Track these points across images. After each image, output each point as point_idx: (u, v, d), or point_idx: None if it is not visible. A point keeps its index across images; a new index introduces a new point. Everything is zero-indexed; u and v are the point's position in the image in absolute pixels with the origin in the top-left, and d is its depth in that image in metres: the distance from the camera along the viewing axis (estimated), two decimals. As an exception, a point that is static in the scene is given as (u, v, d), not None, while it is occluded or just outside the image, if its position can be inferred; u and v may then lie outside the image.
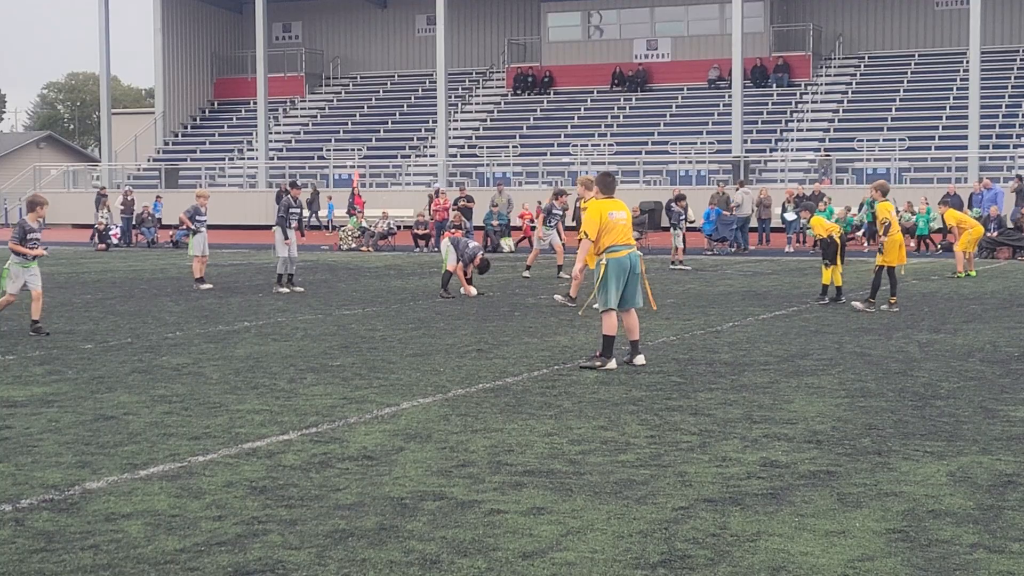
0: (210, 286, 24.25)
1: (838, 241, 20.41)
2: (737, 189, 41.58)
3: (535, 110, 61.93)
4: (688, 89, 60.36)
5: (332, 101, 67.65)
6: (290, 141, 64.16)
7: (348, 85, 68.98)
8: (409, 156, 59.95)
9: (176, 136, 67.26)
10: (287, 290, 23.07)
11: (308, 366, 13.39)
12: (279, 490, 7.84)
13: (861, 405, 10.84)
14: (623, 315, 13.33)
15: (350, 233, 42.47)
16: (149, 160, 65.07)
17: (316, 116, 66.46)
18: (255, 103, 61.37)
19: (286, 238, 23.48)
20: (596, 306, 13.45)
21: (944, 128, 52.33)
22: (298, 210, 24.14)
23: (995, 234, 35.25)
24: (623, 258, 13.11)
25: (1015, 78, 54.81)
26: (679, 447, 9.11)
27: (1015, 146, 50.31)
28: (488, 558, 6.39)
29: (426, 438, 9.45)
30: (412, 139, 61.52)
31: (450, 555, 6.45)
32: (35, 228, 16.46)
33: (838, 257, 20.37)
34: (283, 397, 11.35)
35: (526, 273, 26.59)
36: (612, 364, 13.02)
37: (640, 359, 13.32)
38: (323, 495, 7.71)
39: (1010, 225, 36.37)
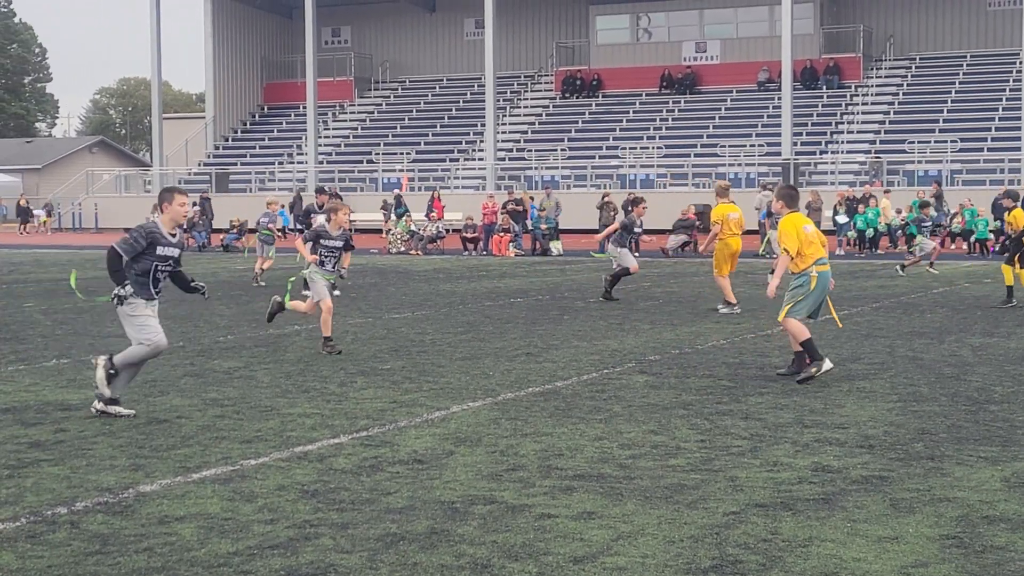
0: (263, 284, 25.66)
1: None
2: (760, 192, 41.45)
3: (583, 113, 61.93)
4: (737, 91, 60.18)
5: (381, 105, 67.92)
6: (339, 145, 64.47)
7: (397, 89, 69.23)
8: (458, 160, 60.09)
9: (226, 140, 67.75)
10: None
11: (358, 369, 13.44)
12: (330, 494, 7.87)
13: (914, 410, 10.76)
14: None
15: (399, 236, 42.61)
16: (200, 164, 65.57)
17: (365, 120, 66.74)
18: (304, 107, 61.76)
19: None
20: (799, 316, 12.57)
21: (996, 129, 51.89)
22: (322, 215, 24.08)
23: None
24: (827, 272, 12.57)
25: (1069, 78, 54.25)
26: (730, 451, 9.08)
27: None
28: (539, 562, 6.39)
29: (476, 442, 9.46)
30: (461, 143, 61.67)
31: (501, 559, 6.45)
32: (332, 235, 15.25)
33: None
34: (334, 401, 11.40)
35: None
36: (828, 364, 12.27)
37: (825, 364, 12.36)
38: (374, 499, 7.73)
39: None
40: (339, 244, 15.26)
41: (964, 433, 9.71)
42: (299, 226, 24.59)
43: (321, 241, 15.15)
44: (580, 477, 8.29)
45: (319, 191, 24.83)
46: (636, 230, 22.61)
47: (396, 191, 53.33)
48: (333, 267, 15.38)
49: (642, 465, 8.65)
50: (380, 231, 48.66)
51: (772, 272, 13.38)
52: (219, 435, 9.79)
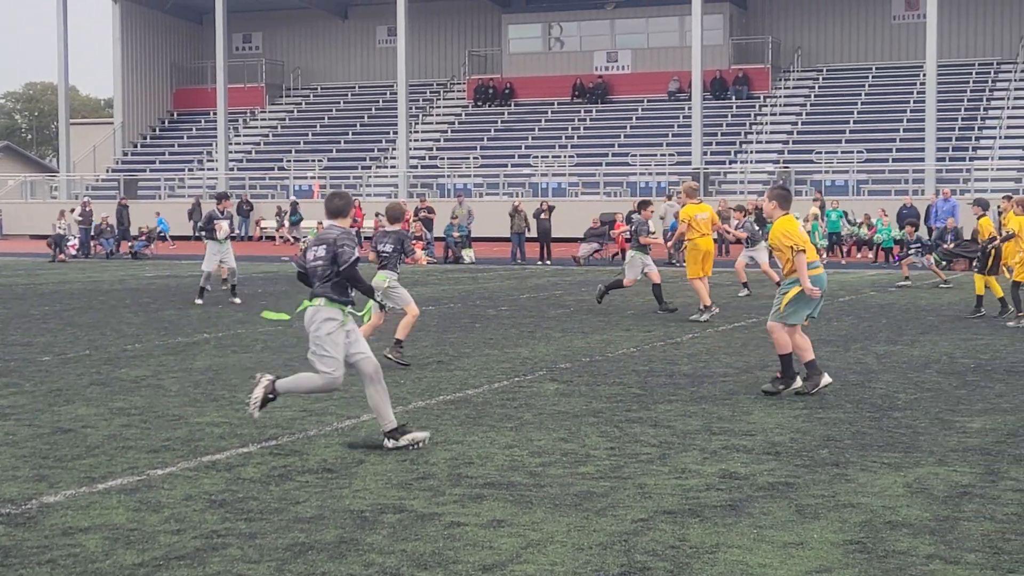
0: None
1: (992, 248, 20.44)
2: (664, 202, 41.92)
3: (496, 122, 62.03)
4: (648, 101, 60.62)
5: (292, 112, 67.53)
6: (250, 152, 63.99)
7: (309, 96, 68.88)
8: (370, 167, 59.91)
9: (135, 147, 66.96)
10: (201, 301, 22.91)
11: (268, 378, 13.33)
12: (238, 503, 7.81)
13: (819, 417, 10.91)
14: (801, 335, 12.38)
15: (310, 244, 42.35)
16: (108, 171, 64.74)
17: (276, 127, 66.32)
18: (215, 114, 61.24)
19: (218, 245, 23.32)
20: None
21: (901, 140, 52.76)
22: (225, 221, 23.88)
23: (951, 245, 35.51)
24: (823, 275, 12.32)
25: (971, 91, 55.34)
26: (639, 459, 9.14)
27: (971, 159, 50.75)
28: (448, 571, 6.40)
29: (386, 450, 9.44)
30: (373, 150, 61.49)
31: (410, 568, 6.45)
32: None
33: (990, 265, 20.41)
34: (243, 409, 11.29)
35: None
36: (799, 382, 11.96)
37: (826, 378, 12.15)
38: (283, 508, 7.69)
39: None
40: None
41: (868, 439, 9.86)
42: (200, 233, 24.29)
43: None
44: (490, 485, 8.30)
45: (220, 197, 24.56)
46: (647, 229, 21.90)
47: (292, 198, 53.16)
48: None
49: (552, 473, 8.68)
50: (297, 238, 48.34)
51: (779, 285, 12.89)
52: (126, 445, 9.68)
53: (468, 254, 40.40)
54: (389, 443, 9.41)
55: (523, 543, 6.89)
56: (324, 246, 9.67)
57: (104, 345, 16.56)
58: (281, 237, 51.48)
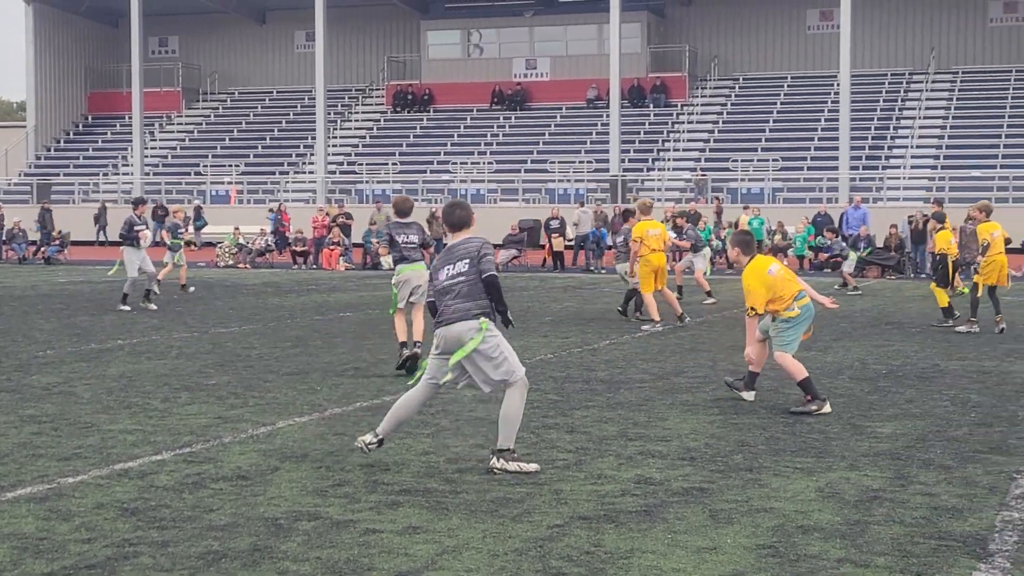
0: (192, 288, 27.94)
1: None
2: (578, 208, 42.21)
3: (415, 127, 61.93)
4: (567, 108, 60.83)
5: (209, 116, 66.97)
6: (166, 156, 63.36)
7: (226, 100, 68.35)
8: (287, 172, 59.57)
9: (48, 150, 66.03)
10: (128, 308, 22.65)
11: (182, 385, 13.23)
12: (151, 511, 7.73)
13: (734, 422, 11.00)
14: (762, 346, 12.37)
15: (227, 250, 42.04)
16: (20, 175, 63.75)
17: (193, 131, 65.73)
18: (130, 118, 60.59)
19: (137, 251, 23.11)
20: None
21: (816, 149, 53.40)
22: (142, 226, 23.64)
23: (864, 253, 36.01)
24: (810, 304, 12.29)
25: (884, 101, 56.16)
26: (555, 464, 9.17)
27: (884, 167, 51.50)
28: (363, 578, 6.37)
29: (302, 457, 9.39)
30: (291, 155, 61.15)
31: (325, 575, 6.42)
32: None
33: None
34: (156, 417, 11.19)
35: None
36: (827, 407, 11.57)
37: (825, 407, 11.75)
38: (196, 516, 7.62)
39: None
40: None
41: (781, 445, 9.96)
42: (120, 238, 23.98)
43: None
44: (406, 492, 8.28)
45: (137, 202, 24.30)
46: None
47: (196, 203, 52.70)
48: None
49: (468, 479, 8.68)
50: (213, 244, 47.87)
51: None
52: (35, 452, 9.54)
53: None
54: (498, 463, 8.88)
55: (438, 550, 6.89)
56: (466, 260, 8.99)
57: (15, 352, 16.31)
58: (186, 242, 50.97)
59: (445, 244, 9.42)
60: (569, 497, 8.15)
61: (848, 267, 29.70)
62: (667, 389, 13.02)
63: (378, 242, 14.81)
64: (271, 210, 46.23)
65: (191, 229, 28.67)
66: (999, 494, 8.27)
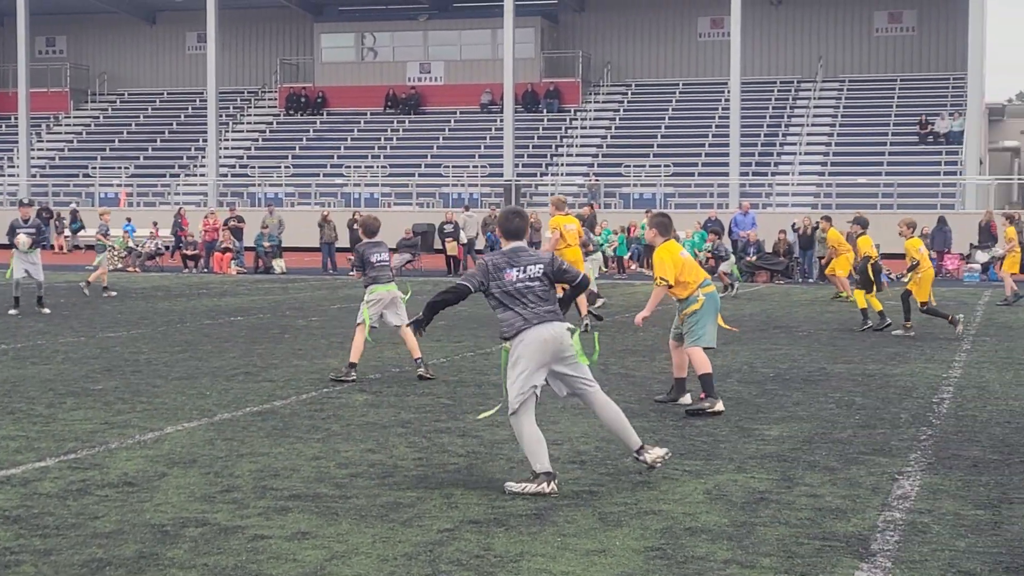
0: (115, 293, 27.77)
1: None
2: (462, 212, 42.48)
3: (308, 131, 61.57)
4: (461, 113, 60.90)
5: (98, 118, 65.98)
6: (54, 158, 62.30)
7: (115, 102, 67.40)
8: (179, 175, 58.87)
9: (-69, 151, 64.62)
10: (16, 312, 22.27)
11: (68, 390, 13.01)
12: (34, 519, 7.59)
13: (624, 425, 11.07)
14: (680, 350, 12.32)
15: (116, 253, 41.39)
16: (-99, 176, 62.26)
17: (81, 133, 64.71)
18: (16, 119, 59.43)
19: (23, 254, 22.71)
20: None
21: (707, 155, 54.02)
22: (31, 230, 23.24)
23: (753, 258, 36.52)
24: (714, 292, 12.22)
25: (773, 108, 57.00)
26: (446, 469, 9.17)
27: (773, 173, 52.26)
28: (251, 584, 6.32)
29: (190, 463, 9.29)
30: (182, 158, 60.46)
31: (212, 582, 6.36)
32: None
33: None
34: (41, 422, 10.99)
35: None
36: (720, 406, 11.75)
37: (718, 405, 11.81)
38: (80, 523, 7.50)
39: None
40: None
41: (671, 447, 10.03)
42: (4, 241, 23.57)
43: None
44: (295, 497, 8.23)
45: (22, 204, 23.87)
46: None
47: (72, 206, 52.00)
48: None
49: (359, 484, 8.65)
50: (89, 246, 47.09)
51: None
52: (-86, 460, 9.32)
53: (279, 264, 39.98)
54: (648, 456, 8.77)
55: (328, 555, 6.85)
56: (540, 266, 8.72)
57: None
58: (59, 247, 50.19)
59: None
60: (460, 501, 8.15)
61: (725, 268, 30.08)
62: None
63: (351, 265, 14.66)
64: (177, 215, 45.62)
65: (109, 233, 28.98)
66: (881, 495, 8.43)
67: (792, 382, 14.14)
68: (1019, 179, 57.56)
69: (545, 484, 8.37)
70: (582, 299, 20.52)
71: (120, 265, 40.49)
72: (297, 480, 8.76)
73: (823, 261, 33.07)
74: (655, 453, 8.81)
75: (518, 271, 8.67)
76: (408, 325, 12.39)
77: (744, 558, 6.87)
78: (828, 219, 30.52)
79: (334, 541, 7.15)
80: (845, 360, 16.33)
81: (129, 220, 44.57)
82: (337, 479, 8.80)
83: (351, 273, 15.06)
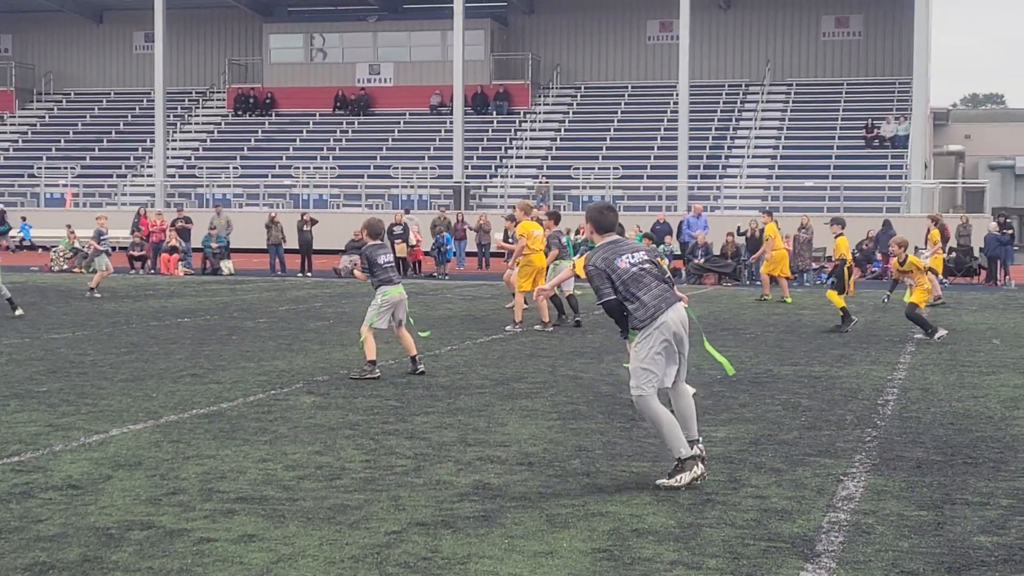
0: (100, 296, 27.37)
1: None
2: (403, 215, 42.58)
3: (256, 132, 61.31)
4: (410, 114, 60.84)
5: (44, 117, 65.41)
6: (-2, 158, 61.72)
7: (61, 101, 66.84)
8: (125, 176, 58.44)
9: None
10: None
11: (12, 392, 12.88)
12: (-24, 523, 7.51)
13: (572, 427, 11.11)
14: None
15: (62, 254, 41.05)
16: None
17: (27, 132, 64.11)
18: (-40, 117, 58.90)
19: None
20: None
21: (656, 158, 54.24)
22: None
23: (701, 260, 36.68)
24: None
25: (721, 111, 57.30)
26: (394, 471, 9.16)
27: (721, 176, 52.53)
28: (196, 588, 6.29)
29: (135, 465, 9.22)
30: (129, 158, 60.04)
31: (157, 586, 6.32)
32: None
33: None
34: (-16, 425, 10.88)
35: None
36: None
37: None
38: (23, 527, 7.42)
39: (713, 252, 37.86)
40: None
41: (618, 449, 10.09)
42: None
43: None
44: (242, 500, 8.19)
45: None
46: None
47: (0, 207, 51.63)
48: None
49: (306, 486, 8.62)
50: (47, 247, 46.74)
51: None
52: None
53: (227, 265, 39.75)
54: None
55: (274, 558, 6.83)
56: (642, 252, 8.92)
57: None
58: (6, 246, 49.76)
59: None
60: (407, 503, 8.14)
61: None
62: (507, 395, 13.09)
63: (356, 264, 14.56)
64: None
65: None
66: (827, 496, 8.49)
67: (739, 384, 14.21)
68: (963, 183, 58.18)
69: (697, 467, 8.58)
70: (521, 305, 20.66)
71: (66, 266, 40.15)
72: (244, 482, 8.72)
73: (754, 256, 33.15)
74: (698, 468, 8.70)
75: (628, 257, 8.77)
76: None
77: (690, 559, 6.90)
78: (768, 212, 30.56)
79: (281, 544, 7.12)
80: (791, 362, 16.44)
81: (2, 214, 44.21)
82: (284, 481, 8.77)
83: (357, 275, 15.04)
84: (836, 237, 21.83)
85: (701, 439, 9.04)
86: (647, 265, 8.79)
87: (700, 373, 15.16)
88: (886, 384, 14.39)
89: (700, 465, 8.61)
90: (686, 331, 8.85)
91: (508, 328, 20.26)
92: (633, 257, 8.78)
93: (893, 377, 14.99)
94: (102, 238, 28.68)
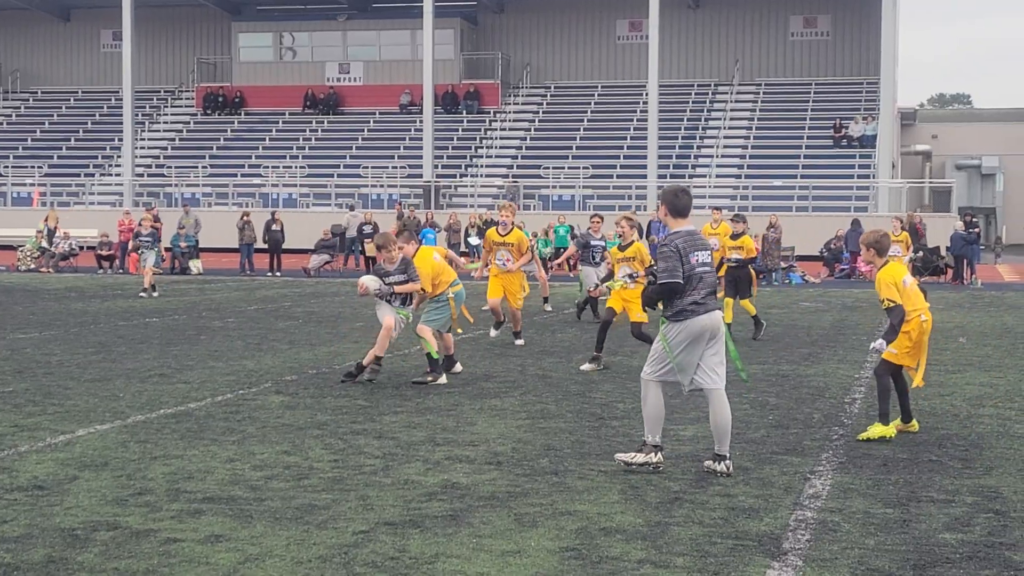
0: (157, 294, 27.74)
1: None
2: (348, 212, 42.63)
3: (225, 130, 61.11)
4: (380, 113, 60.75)
5: (11, 116, 65.02)
6: (-36, 157, 61.31)
7: (28, 100, 66.46)
8: (93, 175, 58.13)
9: None
10: None
11: (-22, 393, 12.79)
12: (-59, 524, 7.46)
13: (541, 426, 11.11)
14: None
15: (29, 253, 40.81)
16: None
17: (-7, 131, 63.73)
18: (-74, 116, 58.48)
19: None
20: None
21: (625, 157, 54.32)
22: None
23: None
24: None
25: (690, 111, 57.43)
26: (362, 471, 9.14)
27: (691, 176, 52.64)
28: (162, 588, 6.26)
29: (102, 466, 9.18)
30: (97, 157, 59.73)
31: (123, 586, 6.29)
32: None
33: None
34: (-51, 426, 10.80)
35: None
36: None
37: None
38: (-11, 528, 7.38)
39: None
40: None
41: (587, 448, 10.10)
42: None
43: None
44: (209, 500, 8.16)
45: None
46: (594, 243, 22.10)
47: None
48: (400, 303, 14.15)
49: (274, 486, 8.60)
50: (11, 247, 46.43)
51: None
52: None
53: (195, 265, 39.60)
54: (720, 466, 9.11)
55: (241, 558, 6.81)
56: (707, 252, 9.14)
57: None
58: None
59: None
60: (375, 503, 8.13)
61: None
62: (476, 394, 13.09)
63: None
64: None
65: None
66: (793, 494, 8.53)
67: (707, 383, 14.22)
68: (930, 182, 58.50)
69: (654, 456, 9.07)
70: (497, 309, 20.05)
71: (33, 266, 39.92)
72: (211, 483, 8.69)
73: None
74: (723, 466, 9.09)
75: (699, 255, 9.04)
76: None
77: (658, 558, 6.92)
78: (719, 210, 30.53)
79: (248, 544, 7.10)
80: (759, 361, 16.49)
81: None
82: (252, 481, 8.74)
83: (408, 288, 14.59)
84: (740, 236, 19.90)
85: (729, 456, 9.17)
86: (707, 270, 9.03)
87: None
88: (853, 383, 14.45)
89: (658, 456, 9.06)
90: (717, 339, 9.07)
91: (519, 342, 18.28)
92: (701, 256, 9.01)
93: (860, 376, 15.06)
94: (142, 236, 29.41)
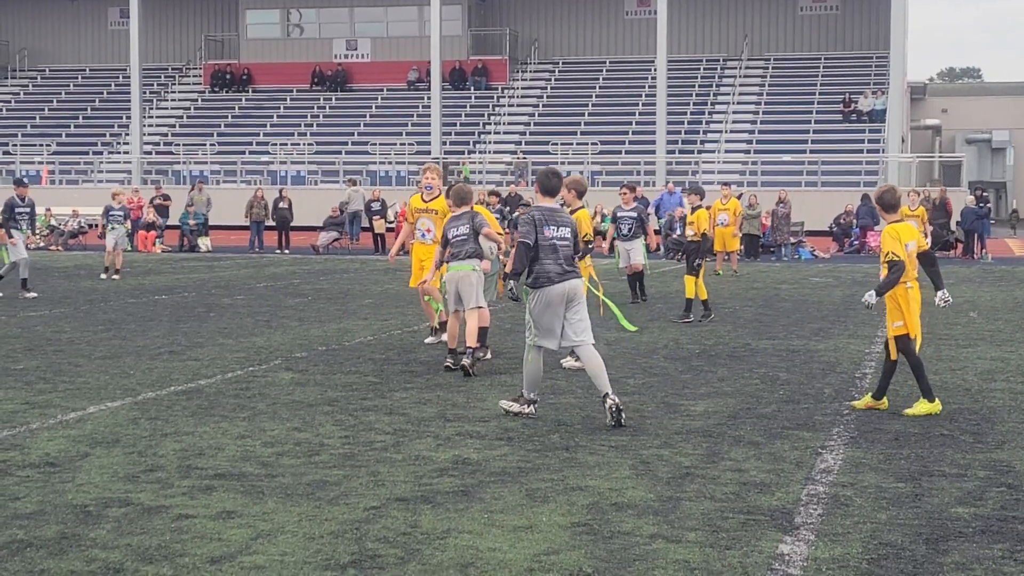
0: (118, 277, 26.22)
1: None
2: (349, 187, 42.52)
3: (233, 108, 61.00)
4: (388, 90, 60.58)
5: (19, 94, 64.96)
6: (-28, 135, 61.29)
7: (36, 78, 66.38)
8: (102, 153, 58.12)
9: None
10: (33, 294, 21.69)
11: (-12, 371, 12.82)
12: (-47, 501, 7.48)
13: (551, 402, 11.11)
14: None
15: (39, 231, 40.84)
16: None
17: (1, 110, 63.65)
18: (-66, 94, 58.45)
19: (11, 238, 22.32)
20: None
21: (634, 133, 54.16)
22: (27, 209, 23.01)
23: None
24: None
25: (699, 86, 57.22)
26: (373, 447, 9.15)
27: (699, 151, 52.52)
28: (174, 564, 6.27)
29: (113, 443, 9.19)
30: (105, 135, 59.68)
31: (134, 562, 6.29)
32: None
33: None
34: (-40, 403, 10.83)
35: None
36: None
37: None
38: (0, 504, 7.39)
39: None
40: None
41: (597, 423, 10.10)
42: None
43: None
44: (220, 476, 8.17)
45: (18, 183, 23.56)
46: (621, 215, 22.16)
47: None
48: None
49: (285, 463, 8.60)
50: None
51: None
52: None
53: (204, 242, 39.61)
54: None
55: (253, 534, 6.81)
56: (568, 228, 10.42)
57: None
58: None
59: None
60: (387, 479, 8.14)
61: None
62: (486, 370, 13.08)
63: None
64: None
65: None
66: (805, 468, 8.52)
67: (718, 358, 14.24)
68: (940, 156, 58.27)
69: (527, 408, 10.35)
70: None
71: (42, 244, 39.97)
72: (222, 459, 8.70)
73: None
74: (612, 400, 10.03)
75: (553, 229, 10.32)
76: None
77: (670, 532, 6.91)
78: (728, 185, 30.53)
79: (259, 520, 7.11)
80: (769, 336, 16.47)
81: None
82: (263, 458, 8.75)
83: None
84: (694, 210, 18.88)
85: (612, 391, 10.06)
86: (565, 243, 10.28)
87: (678, 347, 15.20)
88: (864, 357, 14.43)
89: (530, 408, 10.34)
90: (575, 302, 10.38)
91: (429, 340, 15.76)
92: (558, 231, 10.25)
93: (871, 351, 15.03)
94: (111, 213, 27.52)
